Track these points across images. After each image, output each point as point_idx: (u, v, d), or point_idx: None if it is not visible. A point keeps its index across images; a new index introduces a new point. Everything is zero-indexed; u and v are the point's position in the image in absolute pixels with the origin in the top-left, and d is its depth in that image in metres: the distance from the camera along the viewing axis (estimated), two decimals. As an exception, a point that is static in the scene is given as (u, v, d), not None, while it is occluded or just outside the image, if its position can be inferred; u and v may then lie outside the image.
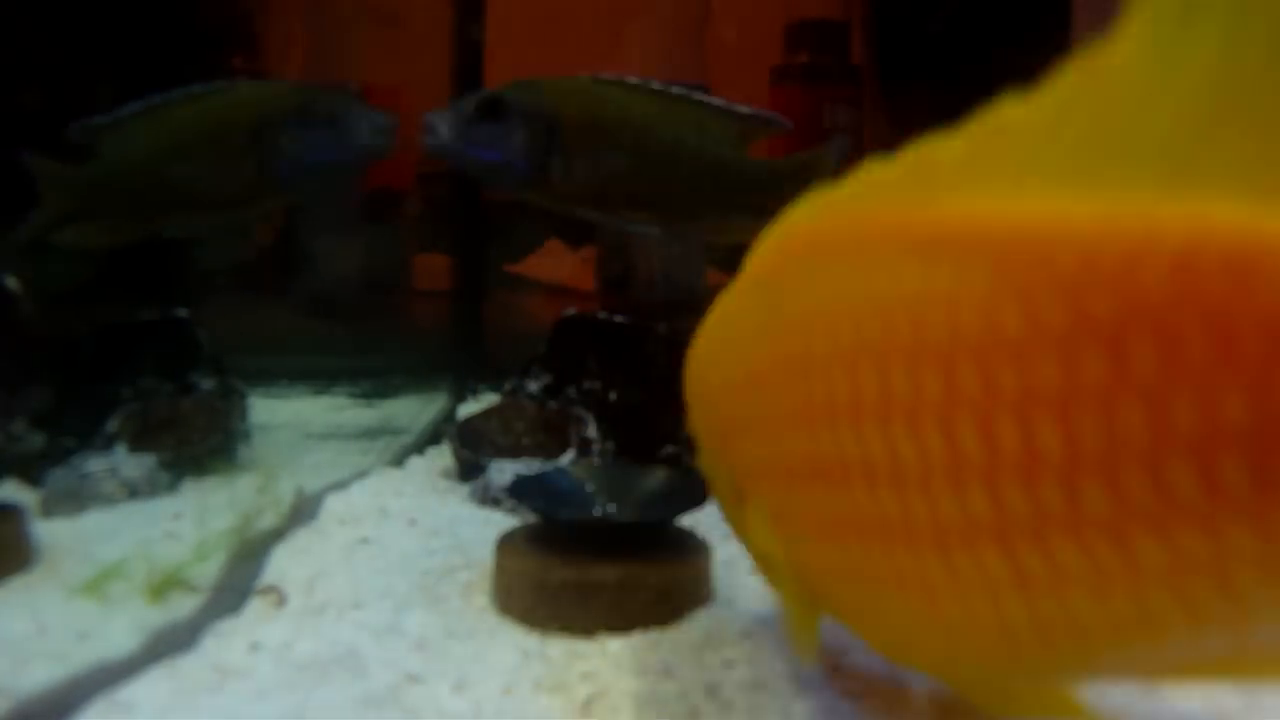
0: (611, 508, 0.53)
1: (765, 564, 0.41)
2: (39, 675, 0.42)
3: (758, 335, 0.37)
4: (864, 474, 0.31)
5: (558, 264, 1.37)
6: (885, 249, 0.31)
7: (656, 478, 0.57)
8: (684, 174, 0.79)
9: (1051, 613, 0.27)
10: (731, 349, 0.40)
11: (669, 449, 0.75)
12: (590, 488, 0.55)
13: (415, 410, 0.98)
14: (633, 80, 0.79)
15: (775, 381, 0.35)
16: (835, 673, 0.43)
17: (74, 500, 0.65)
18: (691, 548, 0.52)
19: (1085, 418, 0.25)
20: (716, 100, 0.79)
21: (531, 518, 0.57)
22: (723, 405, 0.40)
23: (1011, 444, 0.26)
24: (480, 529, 0.62)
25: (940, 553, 0.29)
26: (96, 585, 0.51)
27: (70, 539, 0.59)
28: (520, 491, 0.56)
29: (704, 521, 0.58)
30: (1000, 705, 0.36)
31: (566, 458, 0.73)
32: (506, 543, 0.52)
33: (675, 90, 0.79)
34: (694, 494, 0.55)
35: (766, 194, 0.79)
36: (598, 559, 0.49)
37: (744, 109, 0.79)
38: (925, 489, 0.29)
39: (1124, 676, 0.33)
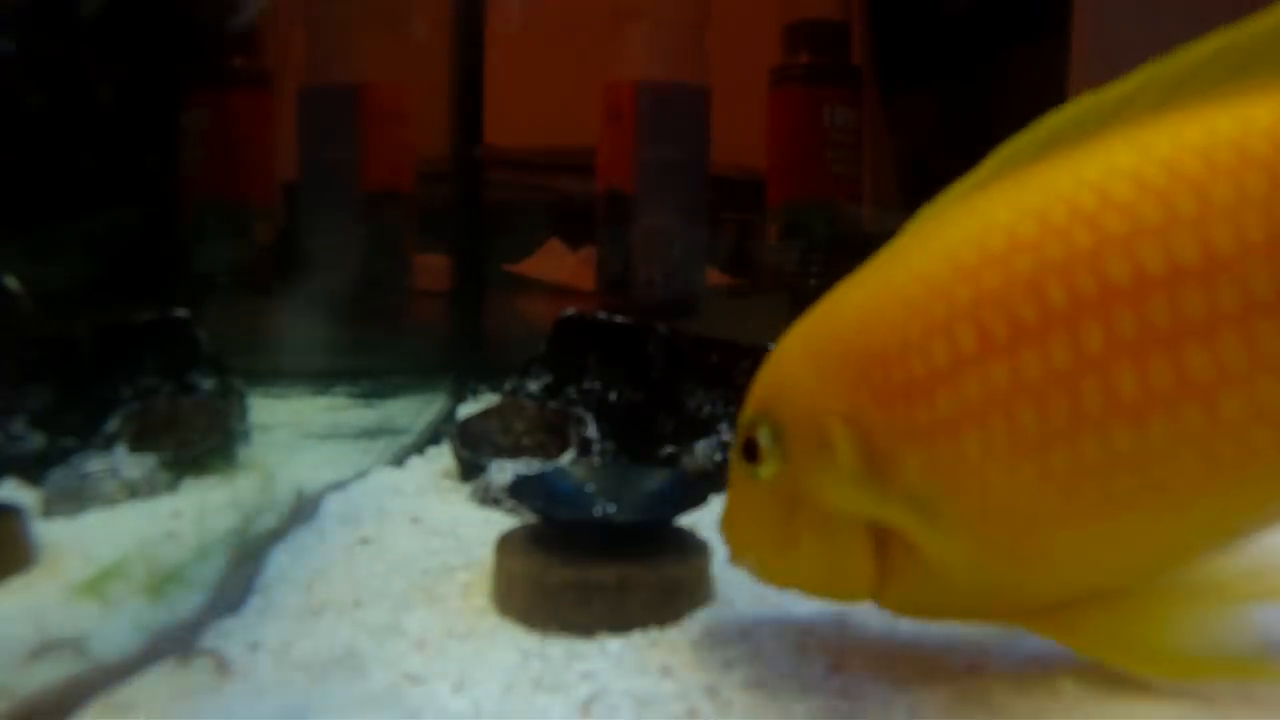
0: (611, 508, 0.53)
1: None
2: (39, 675, 0.42)
3: (950, 288, 0.39)
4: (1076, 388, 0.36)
5: (558, 264, 1.37)
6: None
7: (657, 478, 0.57)
8: None
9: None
10: (920, 302, 0.40)
11: (669, 449, 0.75)
12: (590, 488, 0.55)
13: (415, 410, 0.98)
14: None
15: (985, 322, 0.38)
16: (835, 673, 0.43)
17: (74, 500, 0.65)
18: (691, 548, 0.52)
19: None
20: None
21: (531, 518, 0.57)
22: (897, 358, 0.40)
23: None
24: (480, 529, 0.62)
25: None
26: (96, 585, 0.51)
27: (70, 539, 0.59)
28: (520, 491, 0.56)
29: (704, 521, 0.58)
30: (1173, 668, 0.39)
31: (566, 458, 0.73)
32: (506, 543, 0.52)
33: None
34: (694, 494, 0.55)
35: None
36: (598, 559, 0.49)
37: None
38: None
39: None
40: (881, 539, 0.41)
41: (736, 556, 0.45)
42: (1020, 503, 0.38)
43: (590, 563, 0.49)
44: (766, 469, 0.42)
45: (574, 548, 0.50)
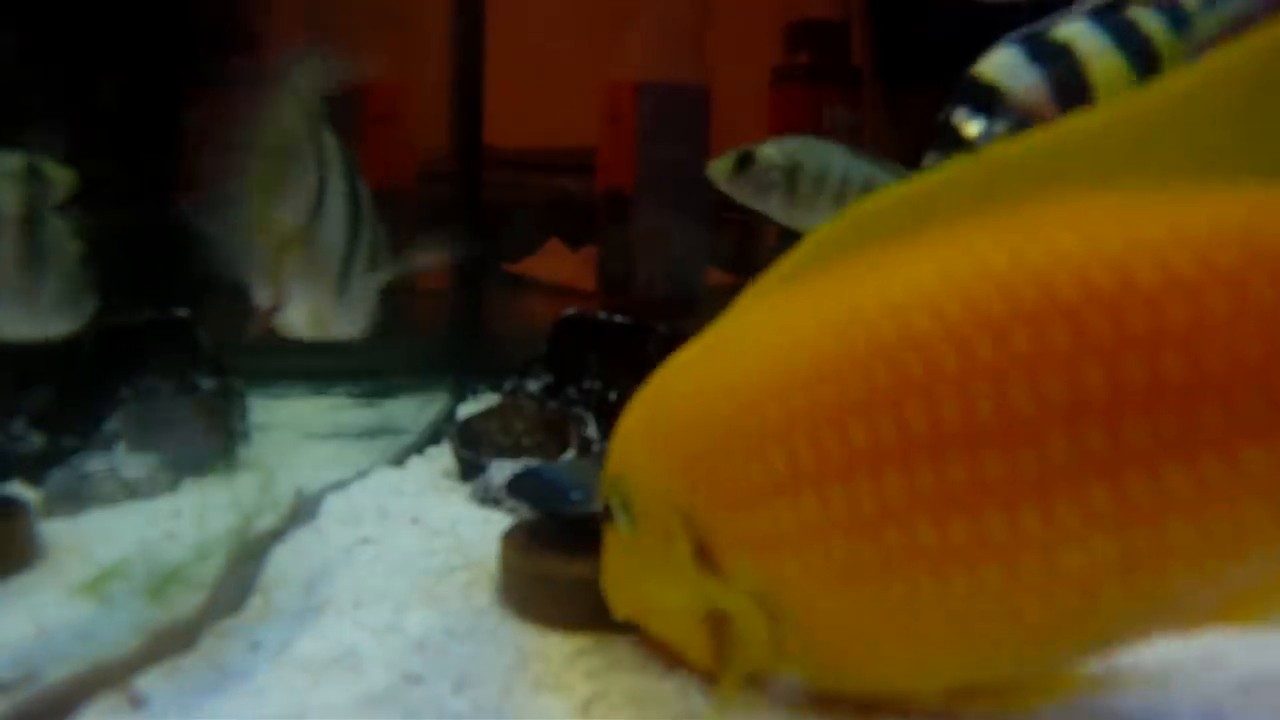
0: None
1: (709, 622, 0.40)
2: (39, 675, 0.42)
3: (774, 382, 0.37)
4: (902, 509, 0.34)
5: (558, 264, 1.37)
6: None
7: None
8: None
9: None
10: (735, 397, 0.39)
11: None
12: (589, 483, 0.55)
13: (415, 410, 0.98)
14: None
15: (806, 431, 0.36)
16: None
17: (74, 500, 0.65)
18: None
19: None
20: None
21: (527, 515, 0.57)
22: (723, 457, 0.39)
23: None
24: (481, 529, 0.62)
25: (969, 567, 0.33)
26: (96, 585, 0.51)
27: (70, 539, 0.59)
28: (518, 488, 0.56)
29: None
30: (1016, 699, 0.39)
31: (566, 458, 0.73)
32: (509, 539, 0.52)
33: None
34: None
35: None
36: (598, 557, 0.49)
37: None
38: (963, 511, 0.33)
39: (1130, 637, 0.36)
40: (720, 622, 0.40)
41: (612, 605, 0.45)
42: (846, 621, 0.37)
43: (591, 560, 0.48)
44: (622, 530, 0.43)
45: (575, 544, 0.50)
